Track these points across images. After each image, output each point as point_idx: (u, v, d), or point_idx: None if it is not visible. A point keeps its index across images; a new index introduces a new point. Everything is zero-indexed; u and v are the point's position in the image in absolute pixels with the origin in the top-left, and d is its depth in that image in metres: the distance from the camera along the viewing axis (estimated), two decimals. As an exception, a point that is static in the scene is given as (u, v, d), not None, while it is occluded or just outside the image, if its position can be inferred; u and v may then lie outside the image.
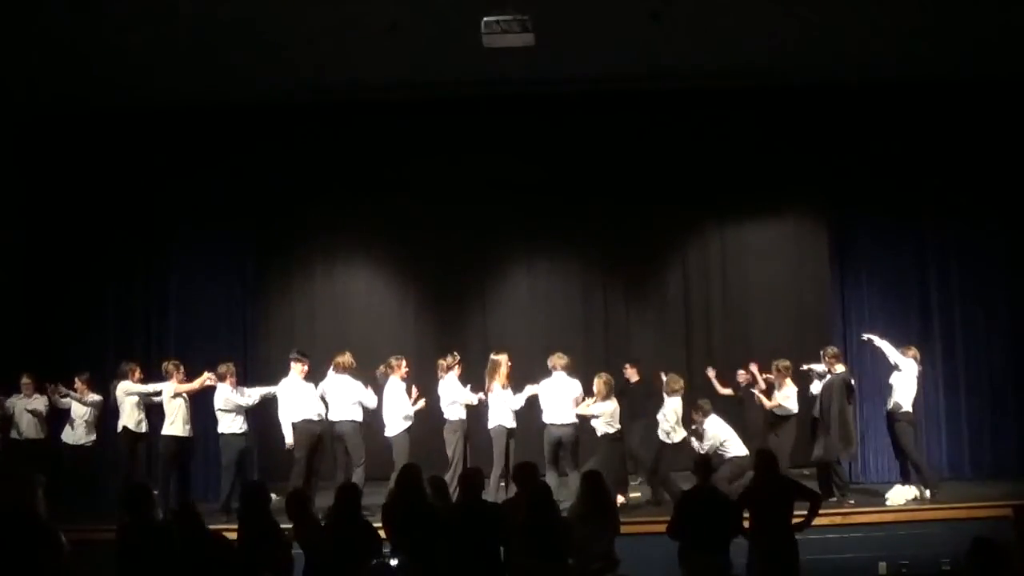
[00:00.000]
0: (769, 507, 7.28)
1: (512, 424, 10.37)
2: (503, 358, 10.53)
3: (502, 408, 10.37)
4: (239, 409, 10.23)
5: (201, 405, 10.61)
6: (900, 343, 10.63)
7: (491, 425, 10.41)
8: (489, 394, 10.42)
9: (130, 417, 10.40)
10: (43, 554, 6.05)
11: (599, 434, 10.19)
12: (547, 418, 10.18)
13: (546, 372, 10.37)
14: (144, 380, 10.63)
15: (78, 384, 10.74)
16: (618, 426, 10.25)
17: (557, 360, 10.37)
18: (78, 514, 9.52)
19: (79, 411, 10.79)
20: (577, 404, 10.23)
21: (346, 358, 10.40)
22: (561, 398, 10.19)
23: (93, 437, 10.85)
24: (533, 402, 10.45)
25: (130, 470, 10.28)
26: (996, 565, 5.40)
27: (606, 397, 10.16)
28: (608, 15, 9.51)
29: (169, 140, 11.87)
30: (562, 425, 10.07)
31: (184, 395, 10.26)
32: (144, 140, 11.88)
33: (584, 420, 10.28)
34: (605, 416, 10.15)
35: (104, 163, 11.89)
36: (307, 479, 10.06)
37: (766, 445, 9.38)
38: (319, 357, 11.01)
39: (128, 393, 10.39)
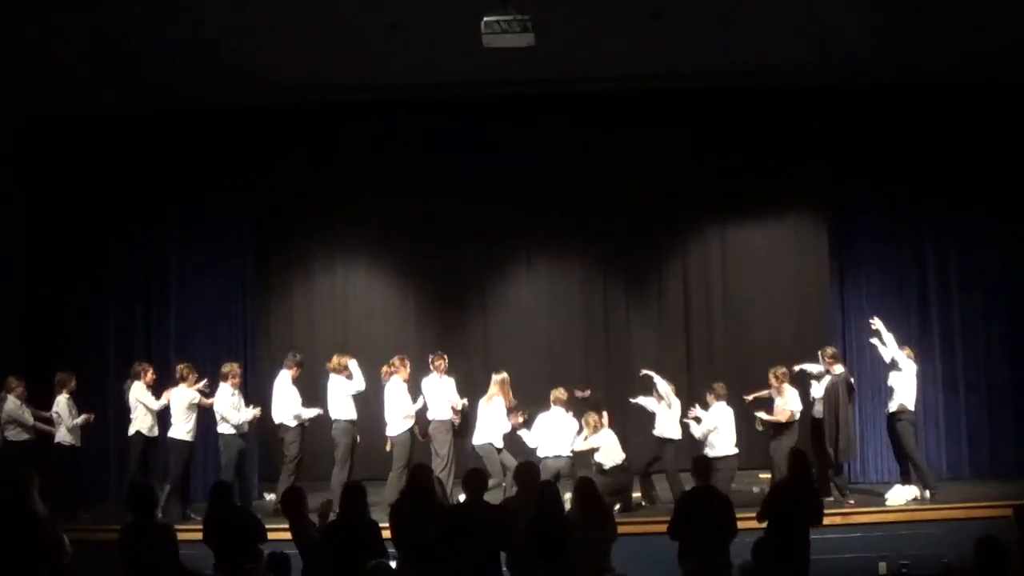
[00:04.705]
0: (794, 506, 7.31)
1: (501, 444, 10.39)
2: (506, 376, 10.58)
3: (495, 427, 10.37)
4: (234, 415, 10.25)
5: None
6: (898, 342, 10.64)
7: (479, 442, 10.38)
8: (491, 409, 10.37)
9: (143, 422, 10.38)
10: (44, 554, 6.05)
11: (607, 468, 10.15)
12: (543, 452, 10.19)
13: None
14: (155, 380, 10.61)
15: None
16: (623, 455, 10.29)
17: (556, 394, 10.44)
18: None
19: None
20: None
21: (332, 360, 10.48)
22: (557, 432, 10.24)
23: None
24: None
25: (138, 473, 10.20)
26: (1001, 564, 5.42)
27: (596, 429, 10.27)
28: (608, 15, 9.51)
29: (169, 140, 11.85)
30: (558, 457, 10.12)
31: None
32: (143, 140, 11.85)
33: (584, 456, 10.31)
34: (605, 447, 10.21)
35: (103, 163, 11.85)
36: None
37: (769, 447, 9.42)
38: (319, 357, 11.01)
39: (140, 401, 10.38)
